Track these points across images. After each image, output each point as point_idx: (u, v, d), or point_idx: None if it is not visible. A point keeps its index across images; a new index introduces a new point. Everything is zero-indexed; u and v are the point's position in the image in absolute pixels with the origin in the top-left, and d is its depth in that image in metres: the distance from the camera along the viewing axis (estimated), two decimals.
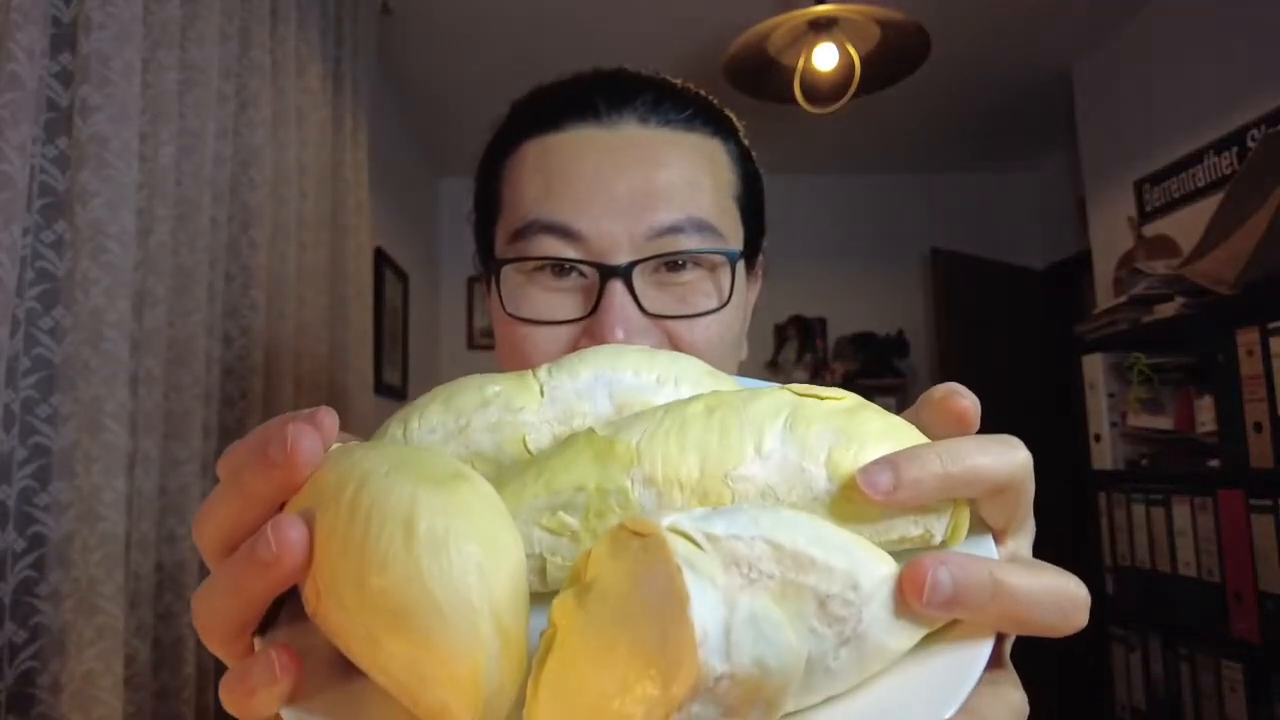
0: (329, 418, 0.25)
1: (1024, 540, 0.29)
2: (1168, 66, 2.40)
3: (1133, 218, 2.50)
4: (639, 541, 0.21)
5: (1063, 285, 3.61)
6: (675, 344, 0.49)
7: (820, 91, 2.15)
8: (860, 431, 0.27)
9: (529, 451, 0.29)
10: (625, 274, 0.47)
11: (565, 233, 0.48)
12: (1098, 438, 2.13)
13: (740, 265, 0.51)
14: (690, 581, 0.19)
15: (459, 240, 3.68)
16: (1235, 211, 1.88)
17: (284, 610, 0.27)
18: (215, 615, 0.25)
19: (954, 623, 0.25)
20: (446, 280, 3.77)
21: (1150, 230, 2.42)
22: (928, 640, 0.25)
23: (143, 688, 1.13)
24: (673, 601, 0.19)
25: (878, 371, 3.60)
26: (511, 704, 0.22)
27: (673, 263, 0.49)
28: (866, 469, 0.25)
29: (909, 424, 0.29)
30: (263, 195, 1.51)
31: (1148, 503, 1.95)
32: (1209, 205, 2.11)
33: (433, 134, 3.29)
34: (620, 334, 0.46)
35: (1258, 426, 1.66)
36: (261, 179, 1.51)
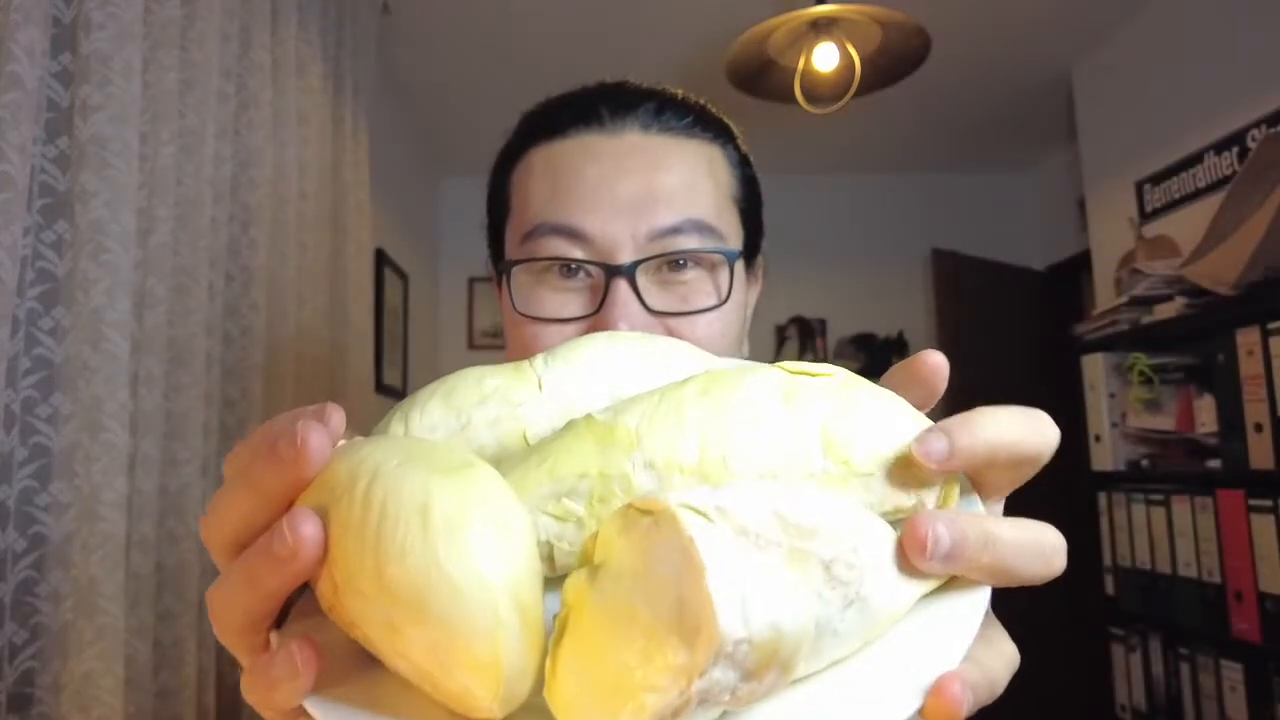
0: (336, 414, 0.25)
1: (1003, 501, 0.31)
2: (1168, 66, 2.40)
3: (1133, 218, 2.50)
4: (648, 519, 0.22)
5: (1063, 285, 3.61)
6: None
7: (821, 92, 2.15)
8: (852, 406, 0.27)
9: (529, 445, 0.30)
10: (629, 273, 0.49)
11: (571, 234, 0.50)
12: (1098, 438, 2.13)
13: (739, 265, 0.53)
14: (704, 551, 0.20)
15: (459, 240, 3.70)
16: (1235, 212, 1.88)
17: (295, 606, 0.27)
18: (231, 610, 0.25)
19: (948, 582, 0.26)
20: (446, 280, 3.76)
21: (1150, 230, 2.42)
22: (925, 600, 0.26)
23: (143, 688, 1.12)
24: (689, 571, 0.20)
25: (878, 372, 3.56)
26: (531, 685, 0.23)
27: (674, 262, 0.51)
28: (922, 437, 0.26)
29: (896, 395, 0.30)
30: (263, 195, 1.51)
31: (1148, 503, 1.95)
32: (1209, 205, 2.11)
33: (433, 134, 3.29)
34: (624, 330, 0.48)
35: (1258, 427, 1.66)
36: (262, 179, 1.51)
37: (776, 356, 3.70)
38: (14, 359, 0.97)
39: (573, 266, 0.51)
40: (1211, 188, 2.20)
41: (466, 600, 0.21)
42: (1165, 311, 1.93)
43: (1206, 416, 1.87)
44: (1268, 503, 1.62)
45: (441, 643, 0.21)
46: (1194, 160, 2.28)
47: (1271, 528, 1.60)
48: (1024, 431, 0.27)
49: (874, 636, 0.25)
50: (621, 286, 0.49)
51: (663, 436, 0.26)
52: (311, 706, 0.24)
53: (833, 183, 3.88)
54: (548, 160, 0.53)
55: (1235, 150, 2.14)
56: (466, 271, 3.75)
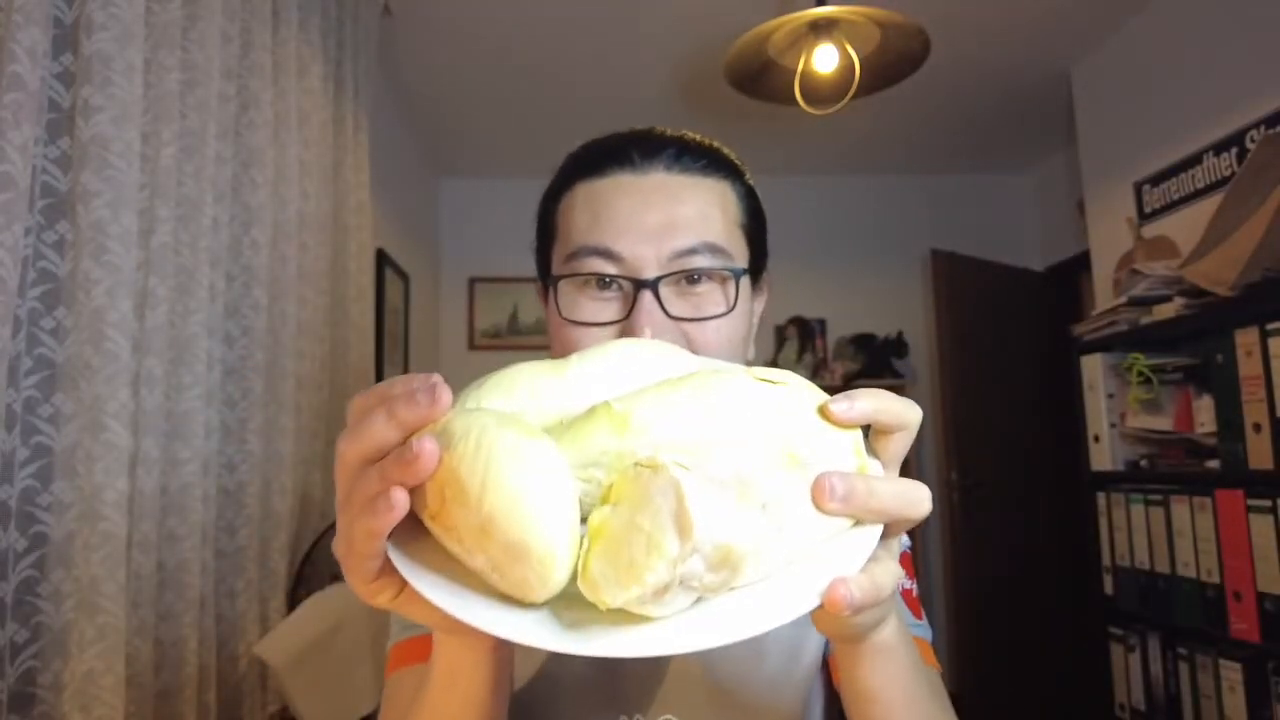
0: (444, 387, 0.35)
1: (897, 468, 0.41)
2: (1168, 67, 2.41)
3: (1132, 219, 2.51)
4: (649, 470, 0.32)
5: (1062, 286, 3.61)
6: (691, 342, 0.61)
7: (820, 93, 2.16)
8: (796, 410, 0.37)
9: (563, 424, 0.39)
10: (653, 286, 0.60)
11: (607, 254, 0.61)
12: (1097, 438, 2.14)
13: (745, 280, 0.64)
14: (685, 486, 0.31)
15: (459, 240, 3.70)
16: (1234, 212, 1.89)
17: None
18: (362, 493, 0.35)
19: (855, 525, 0.36)
20: (447, 280, 3.77)
21: (1150, 231, 2.43)
22: (838, 536, 0.36)
23: (144, 687, 1.13)
24: (676, 497, 0.31)
25: (877, 372, 3.59)
26: (566, 581, 0.33)
27: (690, 277, 0.62)
28: (833, 401, 0.37)
29: (826, 396, 0.39)
30: (264, 196, 1.52)
31: (1147, 503, 1.95)
32: (1208, 206, 2.11)
33: (433, 134, 3.30)
34: (648, 333, 0.58)
35: (1257, 427, 1.67)
36: (263, 179, 1.52)
37: (776, 355, 3.71)
38: (15, 359, 0.97)
39: (607, 280, 0.61)
40: (1210, 188, 2.20)
41: (542, 523, 0.32)
42: (1164, 312, 1.94)
43: (1205, 417, 1.88)
44: (1266, 503, 1.62)
45: (518, 546, 0.32)
46: (1193, 161, 2.28)
47: (1270, 528, 1.61)
48: (891, 406, 0.38)
49: (797, 557, 0.35)
50: (647, 297, 0.59)
51: (661, 426, 0.36)
52: (396, 559, 0.35)
53: (833, 183, 3.89)
54: (588, 195, 0.63)
55: (1234, 151, 2.14)
56: (467, 272, 3.75)
